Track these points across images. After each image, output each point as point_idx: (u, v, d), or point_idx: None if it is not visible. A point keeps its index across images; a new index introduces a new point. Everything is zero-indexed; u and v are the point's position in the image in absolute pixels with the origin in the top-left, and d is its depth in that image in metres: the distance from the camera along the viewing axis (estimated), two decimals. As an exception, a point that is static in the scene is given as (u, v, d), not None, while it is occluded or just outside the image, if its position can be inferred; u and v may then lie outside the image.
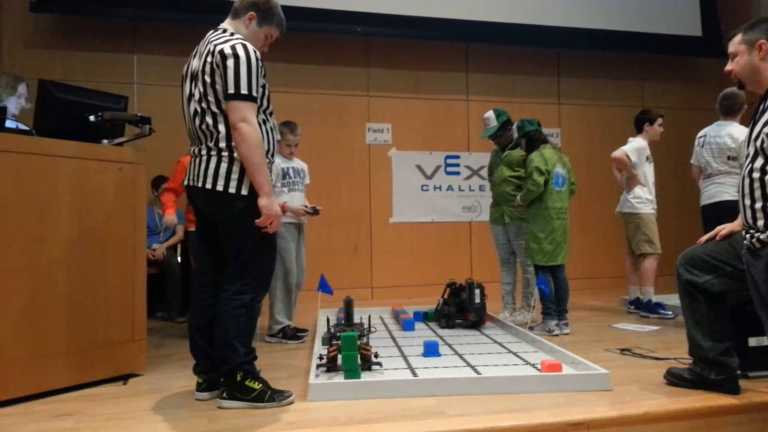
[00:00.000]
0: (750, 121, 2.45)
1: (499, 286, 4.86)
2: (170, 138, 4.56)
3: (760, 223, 2.28)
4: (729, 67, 2.52)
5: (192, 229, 4.18)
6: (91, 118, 2.94)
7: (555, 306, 4.15)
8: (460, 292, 4.33)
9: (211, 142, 2.51)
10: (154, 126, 3.07)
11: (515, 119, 4.66)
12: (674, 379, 2.74)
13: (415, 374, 2.96)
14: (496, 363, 3.18)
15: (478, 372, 2.98)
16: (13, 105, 3.61)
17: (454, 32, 6.58)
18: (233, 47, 2.44)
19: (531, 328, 4.09)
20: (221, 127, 2.48)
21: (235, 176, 2.48)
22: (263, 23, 2.66)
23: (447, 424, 2.28)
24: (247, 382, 2.51)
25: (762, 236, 2.26)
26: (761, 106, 2.39)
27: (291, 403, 2.56)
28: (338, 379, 2.82)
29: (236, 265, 2.53)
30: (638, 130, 5.06)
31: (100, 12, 5.78)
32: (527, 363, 3.16)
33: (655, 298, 4.87)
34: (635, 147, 4.91)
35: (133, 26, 5.98)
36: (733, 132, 4.28)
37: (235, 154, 2.47)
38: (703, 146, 4.48)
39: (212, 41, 2.52)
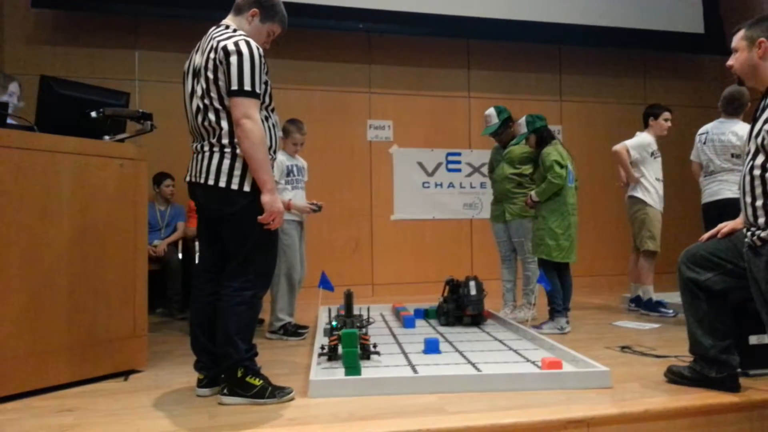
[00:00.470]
0: (752, 118, 2.45)
1: (500, 283, 4.86)
2: (172, 134, 4.56)
3: (761, 220, 2.28)
4: (730, 62, 2.52)
5: None
6: (93, 114, 2.93)
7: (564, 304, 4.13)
8: (458, 288, 4.31)
9: (213, 138, 2.51)
10: (155, 122, 3.07)
11: (517, 116, 4.65)
12: (675, 376, 2.74)
13: (415, 371, 2.96)
14: (496, 360, 3.18)
15: (478, 369, 2.98)
16: None
17: (456, 29, 6.57)
18: (236, 44, 2.44)
19: (539, 326, 4.07)
20: (224, 124, 2.48)
21: (237, 173, 2.47)
22: (266, 20, 2.66)
23: (447, 421, 2.28)
24: (247, 379, 2.51)
25: (762, 234, 2.26)
26: (762, 104, 2.39)
27: (291, 399, 2.56)
28: (339, 375, 2.82)
29: (238, 261, 2.53)
30: (645, 125, 5.03)
31: (101, 8, 5.78)
32: (528, 360, 3.17)
33: (655, 297, 4.86)
34: (638, 142, 4.88)
35: (135, 22, 5.97)
36: (737, 130, 4.26)
37: (238, 151, 2.47)
38: (705, 143, 4.45)
39: (215, 37, 2.51)
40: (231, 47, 2.43)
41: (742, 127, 4.25)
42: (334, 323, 3.42)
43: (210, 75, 2.47)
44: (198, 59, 2.56)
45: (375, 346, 3.29)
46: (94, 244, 2.92)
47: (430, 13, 6.45)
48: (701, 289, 2.62)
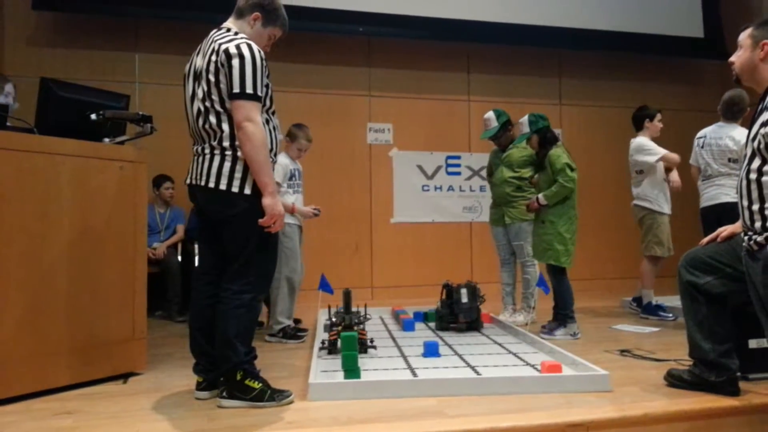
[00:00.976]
0: (749, 122, 2.45)
1: (499, 286, 4.86)
2: (171, 137, 4.56)
3: (758, 225, 2.28)
4: (732, 58, 2.53)
5: None
6: (93, 116, 2.93)
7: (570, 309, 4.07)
8: (453, 293, 4.25)
9: (214, 141, 2.51)
10: (155, 125, 3.07)
11: (516, 120, 4.65)
12: (674, 380, 2.74)
13: (415, 374, 2.96)
14: (496, 364, 3.18)
15: (478, 372, 2.98)
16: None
17: (456, 32, 6.58)
18: (238, 47, 2.44)
19: (551, 333, 4.01)
20: (225, 126, 2.48)
21: (238, 175, 2.48)
22: (268, 24, 2.66)
23: (447, 424, 2.28)
24: (247, 382, 2.51)
25: (759, 238, 2.26)
26: (759, 107, 2.39)
27: (291, 402, 2.56)
28: (338, 378, 2.82)
29: (238, 264, 2.53)
30: (638, 128, 5.01)
31: (102, 10, 5.78)
32: (527, 364, 3.16)
33: (655, 300, 4.86)
34: (639, 144, 4.88)
35: (135, 24, 5.98)
36: (734, 135, 4.26)
37: (239, 153, 2.47)
38: (702, 147, 4.46)
39: (216, 40, 2.52)
40: (233, 50, 2.43)
41: (739, 132, 4.25)
42: (333, 319, 3.59)
43: (211, 78, 2.47)
44: (199, 62, 2.56)
45: (372, 341, 3.52)
46: (93, 246, 2.92)
47: (431, 17, 6.46)
48: (701, 292, 2.63)
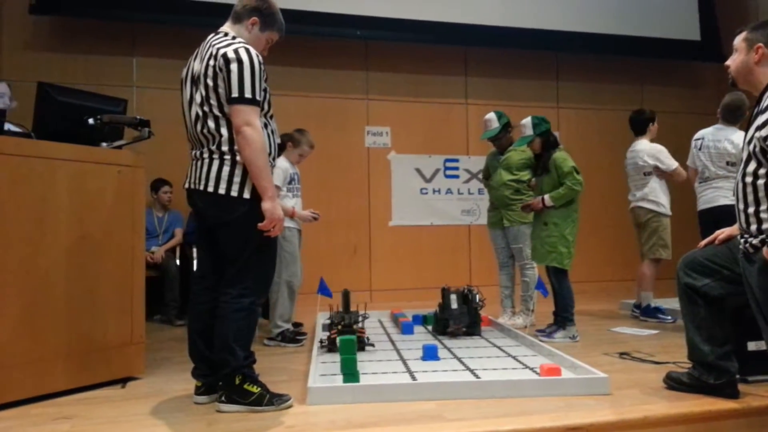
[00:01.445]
0: (746, 125, 2.46)
1: (498, 289, 4.85)
2: (169, 141, 4.56)
3: (753, 227, 2.28)
4: (728, 62, 2.53)
5: None
6: (90, 121, 2.94)
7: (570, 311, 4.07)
8: (444, 300, 4.19)
9: (213, 145, 2.51)
10: (153, 129, 3.07)
11: (514, 123, 4.65)
12: (673, 383, 2.74)
13: (414, 378, 2.96)
14: (495, 367, 3.17)
15: (477, 376, 2.98)
16: None
17: (453, 36, 6.59)
18: (236, 51, 2.45)
19: (550, 335, 4.01)
20: (223, 131, 2.48)
21: (237, 179, 2.47)
22: (265, 28, 2.67)
23: (446, 428, 2.28)
24: (245, 386, 2.50)
25: (755, 241, 2.26)
26: (755, 111, 2.39)
27: (290, 406, 2.55)
28: (337, 382, 2.81)
29: (236, 268, 2.53)
30: (641, 132, 5.00)
31: (99, 14, 5.78)
32: (526, 367, 3.16)
33: (654, 303, 4.86)
34: (658, 150, 4.87)
35: (132, 29, 5.98)
36: (734, 138, 4.23)
37: (237, 158, 2.47)
38: (700, 149, 4.44)
39: (214, 44, 2.52)
40: (231, 55, 2.43)
41: (739, 136, 4.23)
42: (332, 319, 3.75)
43: (210, 82, 2.47)
44: (197, 66, 2.56)
45: (368, 339, 3.70)
46: (91, 250, 2.91)
47: (428, 21, 6.47)
48: (699, 295, 2.63)
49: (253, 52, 2.49)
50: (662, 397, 2.65)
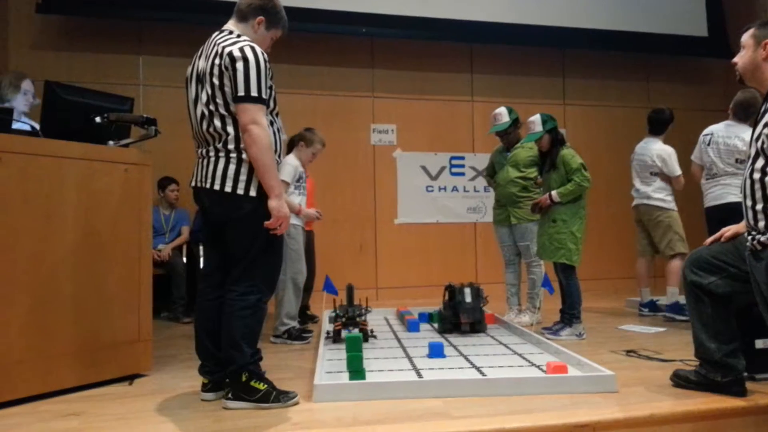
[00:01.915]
0: (754, 122, 2.45)
1: (504, 287, 4.85)
2: (176, 139, 4.57)
3: (761, 224, 2.27)
4: (735, 59, 2.52)
5: None
6: (97, 119, 2.95)
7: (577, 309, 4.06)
8: (456, 294, 4.19)
9: (219, 143, 2.51)
10: (159, 127, 3.07)
11: (521, 120, 4.64)
12: (680, 381, 2.73)
13: (420, 375, 2.96)
14: (501, 364, 3.17)
15: (483, 373, 2.97)
16: (21, 103, 3.57)
17: (459, 33, 6.58)
18: (242, 49, 2.45)
19: (556, 333, 4.01)
20: (230, 129, 2.49)
21: (243, 177, 2.48)
22: (271, 26, 2.67)
23: (452, 425, 2.28)
24: (252, 383, 2.51)
25: (762, 238, 2.25)
26: (763, 108, 2.38)
27: (296, 404, 2.56)
28: (343, 379, 2.82)
29: (243, 266, 2.53)
30: (658, 132, 4.96)
31: (105, 13, 5.80)
32: (532, 364, 3.16)
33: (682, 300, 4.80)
34: (671, 152, 4.86)
35: (139, 27, 5.99)
36: (744, 136, 4.16)
37: (244, 156, 2.48)
38: (709, 144, 4.39)
39: (219, 43, 2.52)
40: (237, 53, 2.44)
41: (749, 134, 4.19)
42: (337, 312, 3.98)
43: (215, 81, 2.47)
44: (202, 64, 2.56)
45: (372, 331, 3.91)
46: (98, 248, 2.92)
47: (434, 17, 6.46)
48: (705, 292, 2.62)
49: (259, 50, 2.49)
50: (669, 394, 2.64)
